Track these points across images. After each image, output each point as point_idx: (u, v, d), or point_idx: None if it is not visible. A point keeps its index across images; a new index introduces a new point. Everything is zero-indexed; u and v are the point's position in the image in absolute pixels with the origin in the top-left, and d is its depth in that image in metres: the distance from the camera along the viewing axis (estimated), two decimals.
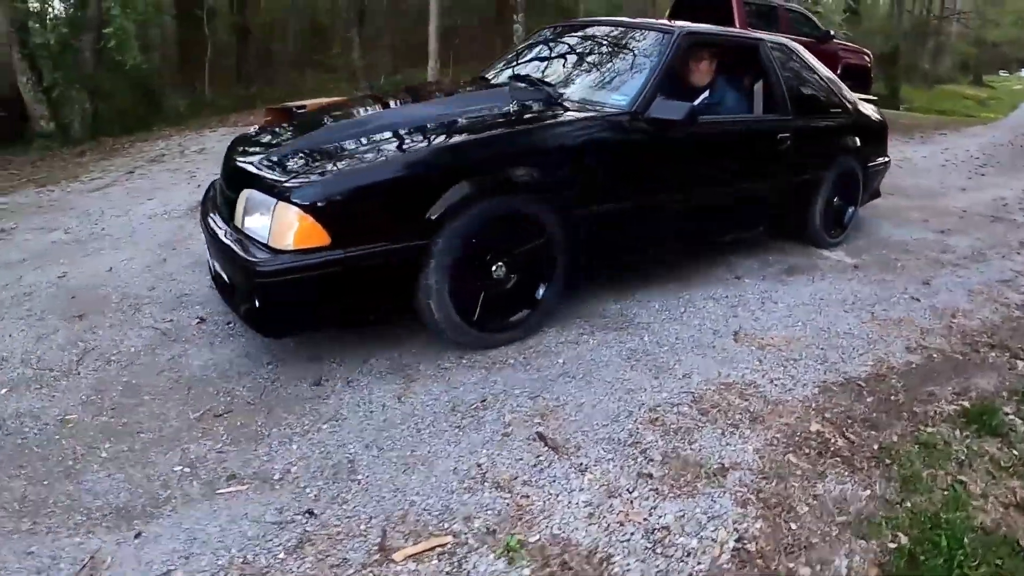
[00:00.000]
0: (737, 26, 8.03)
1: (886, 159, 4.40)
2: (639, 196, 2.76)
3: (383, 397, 2.14)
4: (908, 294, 3.34)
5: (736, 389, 2.31)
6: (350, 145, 2.32)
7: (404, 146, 2.32)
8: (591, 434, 1.99)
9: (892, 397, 2.37)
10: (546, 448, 1.91)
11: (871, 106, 4.48)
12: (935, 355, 2.73)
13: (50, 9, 8.21)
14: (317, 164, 2.20)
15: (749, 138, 3.30)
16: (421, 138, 2.37)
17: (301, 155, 2.30)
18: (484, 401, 2.13)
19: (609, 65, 3.10)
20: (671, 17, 7.74)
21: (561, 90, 2.93)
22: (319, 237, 1.98)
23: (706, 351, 2.57)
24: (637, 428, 2.04)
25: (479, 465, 1.82)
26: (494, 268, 2.39)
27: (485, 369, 2.34)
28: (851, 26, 15.02)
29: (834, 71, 8.93)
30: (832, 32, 8.76)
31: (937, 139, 8.74)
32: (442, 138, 2.36)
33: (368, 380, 2.24)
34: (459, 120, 2.53)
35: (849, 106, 3.94)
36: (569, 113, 2.69)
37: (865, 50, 9.45)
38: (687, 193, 2.99)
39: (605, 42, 3.29)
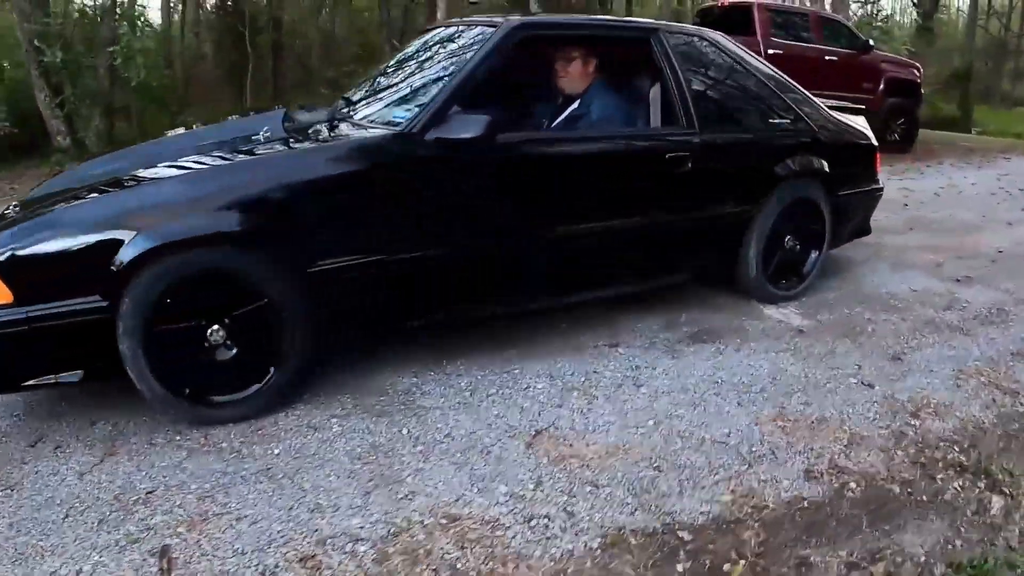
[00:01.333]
0: (758, 37, 7.15)
1: (873, 186, 3.36)
2: (423, 243, 2.10)
3: (71, 469, 1.83)
4: (860, 376, 2.35)
5: (461, 528, 1.50)
6: (70, 188, 2.09)
7: (98, 191, 2.00)
8: (219, 561, 1.48)
9: (724, 567, 1.46)
10: (157, 569, 1.46)
11: (859, 119, 3.48)
12: (853, 485, 1.77)
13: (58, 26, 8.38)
14: (23, 211, 2.02)
15: (616, 159, 2.44)
16: (129, 179, 2.03)
17: (31, 201, 2.14)
18: (151, 493, 1.73)
19: (422, 74, 2.46)
20: None
21: (362, 109, 2.42)
22: (1, 294, 1.80)
23: (470, 459, 1.76)
24: (277, 567, 1.45)
25: (78, 574, 1.46)
26: (210, 334, 1.94)
27: (189, 451, 1.88)
28: (924, 43, 13.53)
29: (876, 85, 7.94)
30: (871, 43, 7.66)
31: (999, 163, 7.32)
32: (141, 180, 2.02)
33: (76, 447, 1.93)
34: (189, 157, 2.11)
35: (806, 117, 3.00)
36: (321, 139, 2.16)
37: (915, 64, 8.21)
38: (510, 237, 2.26)
39: (439, 45, 2.61)
